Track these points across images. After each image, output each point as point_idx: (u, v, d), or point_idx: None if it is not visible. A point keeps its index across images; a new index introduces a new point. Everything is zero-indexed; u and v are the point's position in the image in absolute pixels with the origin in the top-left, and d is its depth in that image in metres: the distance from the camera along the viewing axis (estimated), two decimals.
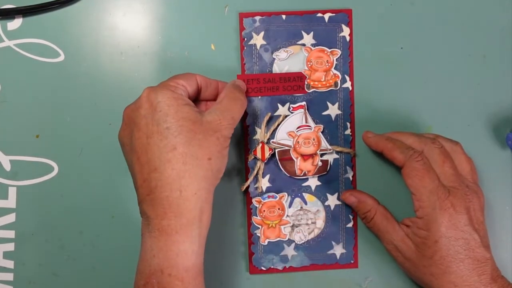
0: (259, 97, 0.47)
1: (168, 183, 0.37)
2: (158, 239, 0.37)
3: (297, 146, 0.47)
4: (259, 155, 0.47)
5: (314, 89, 0.48)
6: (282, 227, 0.48)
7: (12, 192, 0.47)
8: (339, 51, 0.48)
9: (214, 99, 0.44)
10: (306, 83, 0.47)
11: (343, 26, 0.48)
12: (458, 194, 0.41)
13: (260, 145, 0.47)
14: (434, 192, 0.41)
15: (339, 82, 0.48)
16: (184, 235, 0.37)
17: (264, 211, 0.47)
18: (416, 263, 0.42)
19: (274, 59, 0.47)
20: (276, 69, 0.47)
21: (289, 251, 0.48)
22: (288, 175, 0.47)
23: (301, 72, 0.47)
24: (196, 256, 0.38)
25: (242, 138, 0.48)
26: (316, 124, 0.48)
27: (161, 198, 0.37)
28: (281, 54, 0.47)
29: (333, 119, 0.48)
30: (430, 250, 0.41)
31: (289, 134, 0.47)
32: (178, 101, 0.39)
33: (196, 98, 0.43)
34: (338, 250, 0.48)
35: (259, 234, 0.47)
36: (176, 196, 0.37)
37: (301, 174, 0.47)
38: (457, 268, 0.40)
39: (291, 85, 0.46)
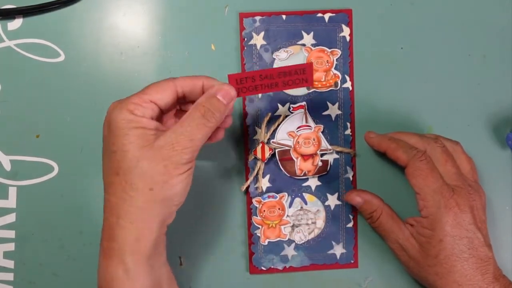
0: (259, 97, 0.47)
1: (109, 206, 0.37)
2: (100, 259, 0.37)
3: (297, 146, 0.47)
4: (259, 155, 0.47)
5: (314, 89, 0.48)
6: (282, 227, 0.48)
7: (12, 192, 0.47)
8: (339, 51, 0.48)
9: None
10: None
11: (343, 26, 0.48)
12: (462, 193, 0.41)
13: (260, 145, 0.47)
14: (438, 191, 0.41)
15: (339, 82, 0.48)
16: (117, 260, 0.36)
17: (264, 211, 0.47)
18: (420, 263, 0.42)
19: (274, 59, 0.47)
20: None
21: (289, 251, 0.48)
22: (288, 175, 0.47)
23: (304, 64, 0.40)
24: (132, 283, 0.36)
25: (242, 138, 0.48)
26: (316, 124, 0.48)
27: (104, 219, 0.37)
28: (281, 54, 0.47)
29: (333, 119, 0.48)
30: (435, 250, 0.41)
31: (289, 134, 0.47)
32: (130, 124, 0.36)
33: (184, 101, 0.41)
34: (338, 250, 0.48)
35: (259, 234, 0.47)
36: (113, 222, 0.36)
37: (301, 174, 0.47)
38: (461, 267, 0.40)
39: (292, 79, 0.41)
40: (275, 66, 0.47)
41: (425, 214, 0.42)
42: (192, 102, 0.40)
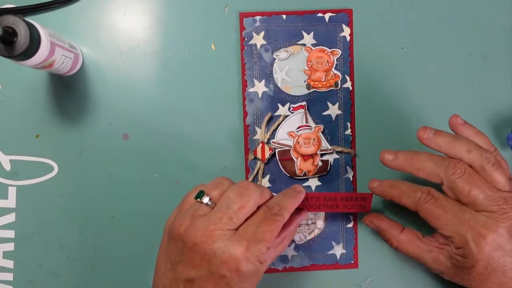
0: (260, 96, 0.47)
1: None
2: None
3: (297, 146, 0.47)
4: (259, 155, 0.47)
5: (314, 89, 0.48)
6: None
7: (12, 192, 0.47)
8: (340, 51, 0.48)
9: None
10: (365, 201, 0.45)
11: (344, 26, 0.48)
12: (493, 217, 0.39)
13: (260, 145, 0.47)
14: (460, 225, 0.39)
15: (339, 82, 0.48)
16: None
17: None
18: (452, 277, 0.42)
19: (274, 59, 0.47)
20: (277, 69, 0.47)
21: (289, 251, 0.48)
22: (288, 175, 0.47)
23: (366, 194, 0.44)
24: None
25: (242, 138, 0.48)
26: (316, 124, 0.48)
27: None
28: (281, 54, 0.47)
29: (333, 119, 0.48)
30: (467, 271, 0.40)
31: (289, 134, 0.47)
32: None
33: None
34: (338, 250, 0.48)
35: None
36: None
37: (301, 174, 0.47)
38: (502, 273, 0.39)
39: (352, 204, 0.44)
40: (275, 66, 0.47)
41: (457, 245, 0.40)
42: None
